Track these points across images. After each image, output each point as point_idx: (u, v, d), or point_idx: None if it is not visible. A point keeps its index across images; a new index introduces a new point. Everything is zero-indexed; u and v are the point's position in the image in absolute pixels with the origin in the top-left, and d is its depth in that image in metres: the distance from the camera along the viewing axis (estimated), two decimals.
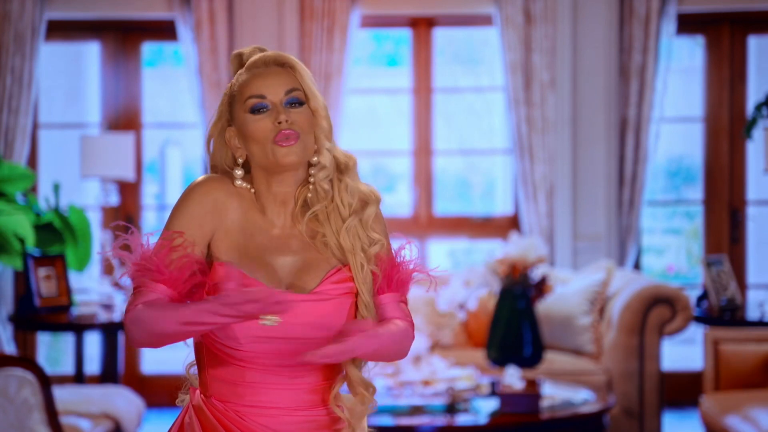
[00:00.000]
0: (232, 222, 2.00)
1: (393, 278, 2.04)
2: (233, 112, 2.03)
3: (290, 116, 1.99)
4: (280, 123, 1.97)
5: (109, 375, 5.54)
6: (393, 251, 2.07)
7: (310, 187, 2.04)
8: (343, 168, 2.06)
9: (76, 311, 5.63)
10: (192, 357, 2.09)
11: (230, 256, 1.98)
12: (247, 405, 1.97)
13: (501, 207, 7.09)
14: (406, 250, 2.07)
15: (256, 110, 1.99)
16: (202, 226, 1.99)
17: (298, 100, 2.01)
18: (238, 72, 2.05)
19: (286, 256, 2.01)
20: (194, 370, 2.09)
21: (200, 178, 2.04)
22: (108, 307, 5.45)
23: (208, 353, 2.00)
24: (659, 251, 8.84)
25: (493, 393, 4.58)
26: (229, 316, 1.81)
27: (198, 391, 2.03)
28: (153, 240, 1.98)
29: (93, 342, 6.59)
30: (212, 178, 2.03)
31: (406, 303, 2.07)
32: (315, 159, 2.04)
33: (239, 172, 2.03)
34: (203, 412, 1.99)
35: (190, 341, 2.06)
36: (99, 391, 4.78)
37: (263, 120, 1.99)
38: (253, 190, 2.04)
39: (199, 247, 1.98)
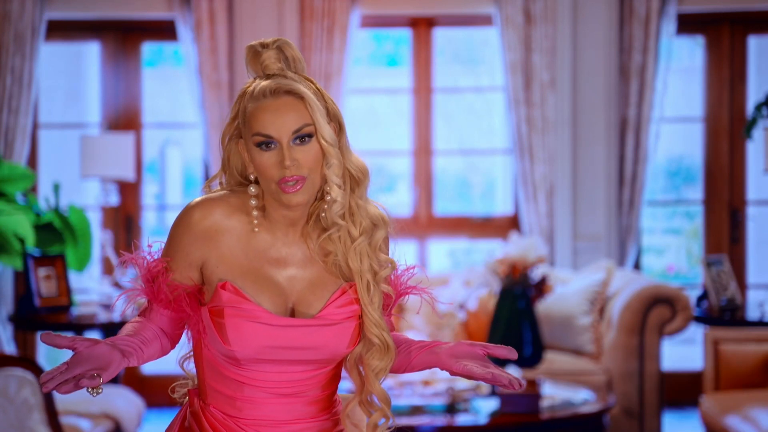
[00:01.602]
0: (229, 245, 1.96)
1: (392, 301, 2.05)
2: (244, 132, 1.96)
3: (297, 156, 1.91)
4: (285, 168, 1.90)
5: None
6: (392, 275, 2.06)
7: (325, 206, 1.98)
8: (354, 184, 2.01)
9: (76, 311, 5.63)
10: (184, 350, 2.08)
11: (232, 275, 1.95)
12: (246, 418, 1.97)
13: (501, 207, 7.09)
14: (404, 275, 2.05)
15: (263, 145, 1.92)
16: (188, 255, 1.96)
17: (307, 134, 1.93)
18: (248, 93, 1.95)
19: (293, 273, 1.98)
20: (188, 364, 2.09)
21: (195, 201, 1.99)
22: (108, 307, 5.45)
23: (208, 365, 1.99)
24: (659, 251, 8.84)
25: (493, 393, 4.58)
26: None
27: (196, 398, 2.03)
28: (155, 258, 1.98)
29: None
30: (206, 202, 1.98)
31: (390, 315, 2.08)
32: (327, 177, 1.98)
33: (254, 190, 1.97)
34: (200, 420, 1.99)
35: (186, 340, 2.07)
36: None
37: (270, 158, 1.92)
38: (254, 202, 1.99)
39: (186, 276, 1.96)
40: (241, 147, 1.99)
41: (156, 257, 1.97)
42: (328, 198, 1.97)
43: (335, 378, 2.04)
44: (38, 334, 6.74)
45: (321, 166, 1.95)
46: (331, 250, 1.99)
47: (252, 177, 1.97)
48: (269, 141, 1.92)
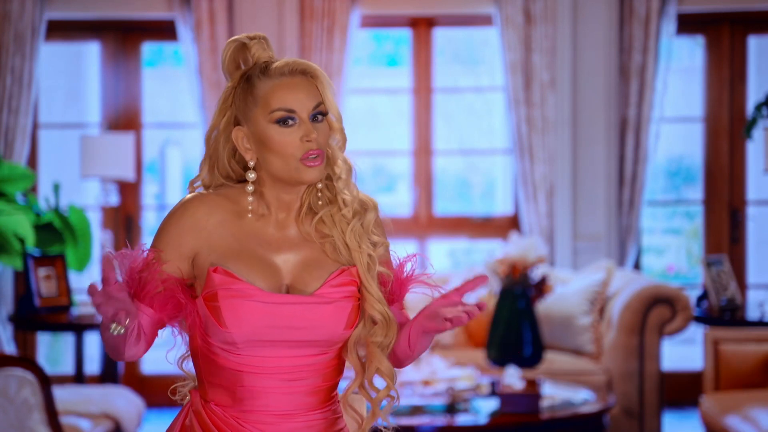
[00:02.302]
0: (219, 235, 1.98)
1: (399, 291, 2.04)
2: (249, 115, 1.99)
3: (317, 133, 1.97)
4: (309, 141, 1.96)
5: (109, 375, 5.54)
6: (394, 263, 2.07)
7: (318, 193, 2.04)
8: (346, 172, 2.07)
9: (76, 311, 5.63)
10: (181, 351, 2.09)
11: (224, 260, 1.96)
12: (246, 410, 1.97)
13: (501, 207, 7.08)
14: (408, 263, 2.06)
15: (282, 122, 1.97)
16: (180, 246, 1.98)
17: (320, 112, 1.99)
18: (257, 74, 1.99)
19: (288, 255, 2.00)
20: (186, 364, 2.09)
21: (187, 197, 2.03)
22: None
23: (204, 359, 2.00)
24: (659, 251, 8.84)
25: (493, 393, 4.58)
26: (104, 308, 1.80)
27: (197, 397, 2.03)
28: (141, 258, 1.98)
29: (93, 342, 6.59)
30: (198, 196, 2.02)
31: (404, 307, 2.09)
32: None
33: (252, 176, 2.00)
34: (202, 417, 2.00)
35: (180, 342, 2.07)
36: (99, 391, 4.78)
37: (291, 135, 1.96)
38: (251, 188, 2.02)
39: (176, 267, 1.97)
40: (237, 134, 2.01)
41: (143, 253, 1.96)
42: (334, 176, 2.03)
43: (336, 370, 2.04)
44: (38, 334, 6.75)
45: (329, 144, 2.02)
46: (327, 233, 2.03)
47: (251, 164, 2.00)
48: (290, 117, 1.97)
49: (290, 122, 1.96)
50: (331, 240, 2.03)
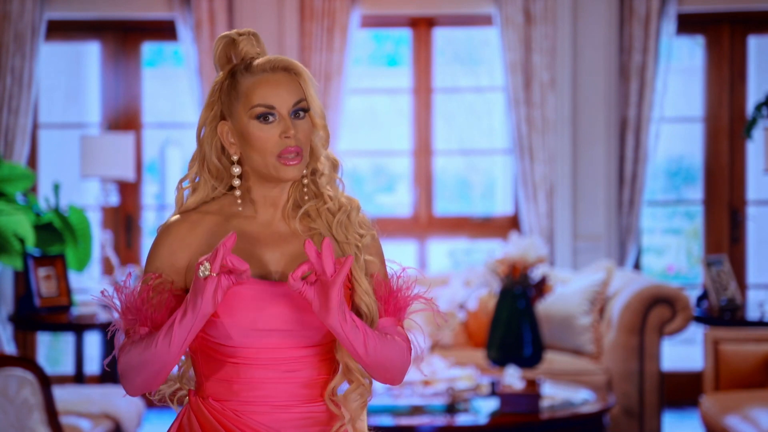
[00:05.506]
0: (207, 242, 2.01)
1: (390, 304, 2.04)
2: (232, 110, 2.01)
3: (296, 129, 1.99)
4: (288, 138, 1.98)
5: (109, 375, 5.54)
6: (389, 276, 2.07)
7: (304, 188, 2.06)
8: (332, 168, 2.09)
9: (76, 311, 5.63)
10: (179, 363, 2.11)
11: None
12: (243, 402, 1.98)
13: (501, 207, 7.09)
14: (403, 277, 2.06)
15: (262, 118, 1.99)
16: (173, 264, 2.00)
17: (302, 108, 2.01)
18: (241, 69, 2.02)
19: (276, 250, 2.02)
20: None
21: (166, 221, 2.06)
22: (108, 307, 5.45)
23: (203, 356, 2.01)
24: (659, 251, 8.83)
25: (493, 393, 4.58)
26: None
27: (195, 396, 2.04)
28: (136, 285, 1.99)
29: (93, 342, 6.59)
30: (175, 220, 2.04)
31: (402, 326, 2.07)
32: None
33: (237, 170, 2.03)
34: (201, 412, 2.01)
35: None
36: (99, 391, 4.78)
37: (270, 131, 1.98)
38: (237, 182, 2.04)
39: (178, 284, 2.00)
40: (222, 128, 2.03)
41: (144, 282, 1.98)
42: (316, 169, 2.05)
43: (332, 364, 2.04)
44: (38, 334, 6.75)
45: (310, 142, 2.03)
46: (314, 227, 2.05)
47: (234, 158, 2.02)
48: (270, 113, 1.98)
49: (270, 118, 1.98)
50: (318, 233, 2.05)
